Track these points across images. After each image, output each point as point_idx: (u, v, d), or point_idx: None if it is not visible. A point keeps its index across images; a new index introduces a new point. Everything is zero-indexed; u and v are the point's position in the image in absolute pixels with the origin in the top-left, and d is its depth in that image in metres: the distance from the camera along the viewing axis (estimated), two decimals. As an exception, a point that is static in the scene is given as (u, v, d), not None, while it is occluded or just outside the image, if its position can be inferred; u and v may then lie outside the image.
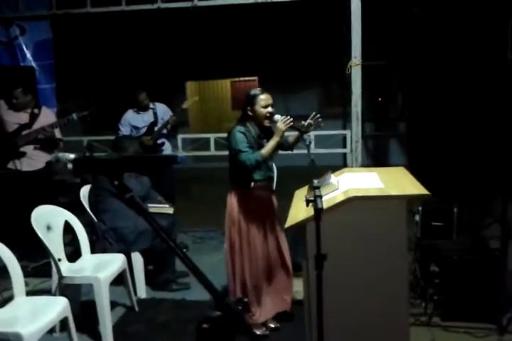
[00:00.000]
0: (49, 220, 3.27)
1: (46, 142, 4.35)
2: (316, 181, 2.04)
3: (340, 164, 6.78)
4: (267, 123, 2.94)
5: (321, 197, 1.96)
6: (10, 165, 4.34)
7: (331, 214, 2.23)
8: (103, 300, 3.07)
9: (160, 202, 4.18)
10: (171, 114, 4.91)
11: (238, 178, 3.03)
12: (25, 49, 5.44)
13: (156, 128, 4.85)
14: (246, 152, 2.84)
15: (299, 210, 2.50)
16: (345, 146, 5.78)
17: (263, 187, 3.06)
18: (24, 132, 4.31)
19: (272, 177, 3.18)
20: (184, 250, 4.73)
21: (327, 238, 2.04)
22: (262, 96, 2.91)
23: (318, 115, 2.98)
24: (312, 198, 1.97)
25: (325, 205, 2.00)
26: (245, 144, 2.86)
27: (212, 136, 5.37)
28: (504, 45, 3.17)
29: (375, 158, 9.49)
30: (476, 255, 3.22)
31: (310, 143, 2.63)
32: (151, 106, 4.94)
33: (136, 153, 3.98)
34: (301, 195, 2.78)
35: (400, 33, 7.30)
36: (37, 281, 3.99)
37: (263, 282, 3.09)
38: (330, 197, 2.39)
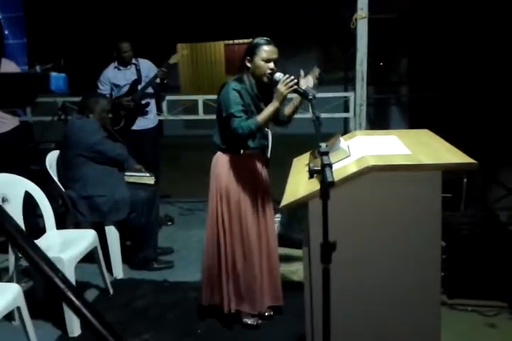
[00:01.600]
0: (5, 191, 2.80)
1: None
2: (323, 145, 1.55)
3: (341, 131, 6.30)
4: (265, 79, 2.42)
5: (330, 166, 1.47)
6: None
7: (342, 189, 1.73)
8: (67, 284, 2.61)
9: (140, 171, 3.68)
10: (155, 71, 4.33)
11: (227, 142, 2.54)
12: (-11, -2, 4.83)
13: (139, 87, 4.29)
14: (239, 117, 2.34)
15: (298, 183, 1.99)
16: (346, 110, 5.32)
17: (255, 155, 2.59)
18: None
19: (266, 146, 2.67)
20: (169, 223, 4.29)
21: (336, 221, 1.56)
22: (266, 47, 2.40)
23: (319, 69, 2.53)
24: (318, 168, 1.48)
25: (334, 177, 1.51)
26: (240, 107, 2.37)
27: (200, 98, 4.86)
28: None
29: (375, 124, 8.98)
30: (486, 229, 2.97)
31: (314, 97, 2.13)
32: (134, 61, 4.35)
33: (106, 113, 3.46)
34: (300, 164, 2.29)
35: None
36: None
37: (257, 268, 2.61)
38: (339, 167, 1.88)
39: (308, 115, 4.48)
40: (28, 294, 2.94)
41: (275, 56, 2.41)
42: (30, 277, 3.11)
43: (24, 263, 2.67)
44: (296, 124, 4.68)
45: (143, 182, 3.51)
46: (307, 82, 2.44)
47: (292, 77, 2.29)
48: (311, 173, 1.52)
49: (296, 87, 2.27)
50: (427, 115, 6.96)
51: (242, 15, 7.89)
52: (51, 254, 2.67)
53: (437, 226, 1.78)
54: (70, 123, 3.44)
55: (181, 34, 9.15)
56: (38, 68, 3.66)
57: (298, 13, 8.06)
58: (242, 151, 2.51)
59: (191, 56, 12.97)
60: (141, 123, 4.32)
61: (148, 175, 3.61)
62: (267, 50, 2.39)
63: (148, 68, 4.36)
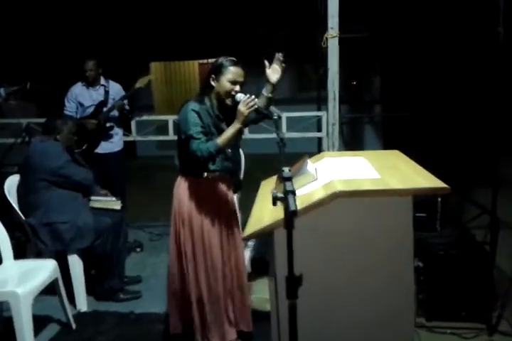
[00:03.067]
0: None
1: None
2: (286, 170, 1.45)
3: (315, 150, 6.24)
4: (229, 102, 2.32)
5: (294, 193, 1.37)
6: None
7: (308, 216, 1.65)
8: (23, 321, 2.43)
9: (105, 196, 3.51)
10: (123, 93, 4.21)
11: (187, 164, 2.43)
12: None
13: (104, 109, 4.15)
14: (198, 139, 2.23)
15: (264, 210, 1.90)
16: (319, 130, 5.26)
17: (219, 178, 2.47)
18: None
19: (231, 169, 2.55)
20: (138, 250, 4.10)
21: (303, 251, 1.47)
22: (233, 69, 2.30)
23: (281, 53, 2.50)
24: (281, 195, 1.37)
25: (300, 204, 1.42)
26: (198, 129, 2.26)
27: (170, 118, 4.73)
28: (495, 18, 2.83)
29: (349, 144, 8.97)
30: (462, 249, 2.94)
31: (279, 117, 2.05)
32: (103, 82, 4.21)
33: (72, 134, 3.29)
34: (267, 187, 2.19)
35: (379, 9, 6.78)
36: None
37: (223, 299, 2.48)
38: (306, 193, 1.79)
39: (273, 135, 4.43)
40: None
41: (241, 79, 2.32)
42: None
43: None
44: (266, 143, 4.63)
45: (109, 207, 3.34)
46: (274, 72, 2.45)
47: (253, 97, 2.21)
48: (274, 200, 1.41)
49: (256, 106, 2.19)
50: (400, 134, 6.97)
51: (216, 34, 7.86)
52: (6, 288, 2.49)
53: (409, 251, 1.72)
54: (32, 146, 3.25)
55: (155, 52, 9.09)
56: (1, 91, 3.48)
57: (270, 32, 8.08)
58: (205, 174, 2.39)
59: (165, 74, 12.86)
60: (106, 147, 4.17)
61: (114, 199, 3.45)
62: (233, 72, 2.30)
63: (117, 92, 4.24)
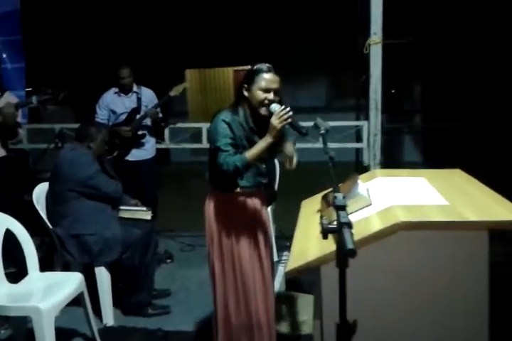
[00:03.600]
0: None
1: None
2: (340, 196, 1.25)
3: (352, 159, 6.00)
4: (263, 111, 2.11)
5: (350, 226, 1.16)
6: None
7: (363, 251, 1.39)
8: (45, 338, 2.30)
9: (135, 206, 3.38)
10: (156, 102, 4.10)
11: (218, 178, 2.24)
12: (-14, 21, 4.66)
13: (137, 117, 4.05)
14: (226, 152, 2.06)
15: (308, 238, 1.68)
16: (358, 140, 5.06)
17: (252, 193, 2.27)
18: None
19: (265, 184, 2.33)
20: (168, 261, 3.96)
21: (356, 291, 1.26)
22: (266, 76, 2.10)
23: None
24: (334, 226, 1.18)
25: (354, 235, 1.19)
26: (227, 140, 2.08)
27: (204, 126, 4.60)
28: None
29: (387, 154, 8.63)
30: None
31: (327, 131, 1.85)
32: (136, 89, 4.11)
33: (105, 143, 3.18)
34: (310, 209, 1.99)
35: (421, 15, 6.52)
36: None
37: (251, 320, 2.27)
38: (359, 220, 1.56)
39: (319, 145, 4.22)
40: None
41: (275, 86, 2.11)
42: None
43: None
44: (307, 152, 4.43)
45: (138, 217, 3.21)
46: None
47: (288, 109, 2.00)
48: (325, 233, 1.21)
49: (290, 120, 1.99)
50: (443, 146, 6.65)
51: (252, 40, 7.72)
52: (29, 303, 2.37)
53: (483, 294, 1.44)
54: (61, 154, 3.12)
55: (190, 59, 9.04)
56: (33, 99, 3.38)
57: (309, 38, 7.88)
58: (237, 190, 2.21)
59: (199, 82, 12.86)
60: (138, 154, 4.07)
61: (144, 209, 3.31)
62: (266, 79, 2.10)
63: (149, 98, 4.13)
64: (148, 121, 4.07)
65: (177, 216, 5.03)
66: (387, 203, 1.59)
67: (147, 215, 3.24)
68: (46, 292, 2.51)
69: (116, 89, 4.08)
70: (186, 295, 3.34)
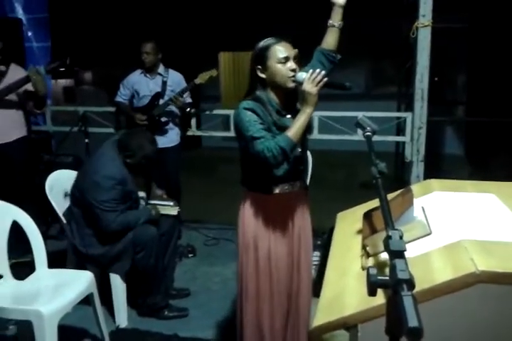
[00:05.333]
0: (-15, 221, 2.31)
1: (15, 105, 3.36)
2: (395, 236, 0.98)
3: (392, 151, 5.62)
4: (290, 84, 1.83)
5: (411, 285, 0.85)
6: None
7: (424, 306, 1.02)
8: (46, 345, 2.09)
9: (162, 199, 3.14)
10: (183, 86, 3.80)
11: (253, 179, 1.97)
12: (13, -3, 4.47)
13: (161, 102, 3.78)
14: (262, 138, 1.77)
15: (345, 276, 1.36)
16: (399, 132, 4.69)
17: (292, 191, 1.97)
18: None
19: (304, 171, 2.06)
20: (190, 256, 3.71)
21: None
22: (278, 46, 1.84)
23: None
24: (385, 278, 0.89)
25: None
26: (258, 126, 1.80)
27: (232, 113, 4.32)
28: None
29: (426, 149, 8.15)
30: None
31: (373, 133, 1.59)
32: (162, 71, 3.83)
33: (145, 160, 2.77)
34: (347, 227, 1.68)
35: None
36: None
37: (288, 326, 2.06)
38: (417, 257, 1.23)
39: (349, 137, 3.88)
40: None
41: (292, 52, 1.85)
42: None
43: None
44: (337, 141, 4.11)
45: (165, 213, 2.97)
46: None
47: (318, 70, 1.76)
48: (373, 287, 0.91)
49: (326, 79, 1.75)
50: (487, 138, 6.18)
51: (287, 23, 7.35)
52: (30, 305, 2.15)
53: None
54: (98, 158, 2.72)
55: (224, 42, 8.73)
56: (42, 68, 3.24)
57: (349, 21, 7.45)
58: (276, 190, 1.92)
59: (233, 65, 12.63)
60: (161, 141, 3.80)
61: (171, 204, 3.06)
62: (280, 49, 1.83)
63: (177, 83, 3.83)
64: (173, 108, 3.80)
65: (203, 204, 4.79)
66: (451, 233, 1.25)
67: (174, 211, 3.00)
68: (51, 293, 2.31)
69: (142, 69, 3.83)
70: (207, 296, 3.09)
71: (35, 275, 2.46)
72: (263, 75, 1.87)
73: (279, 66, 1.83)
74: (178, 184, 3.97)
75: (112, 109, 4.26)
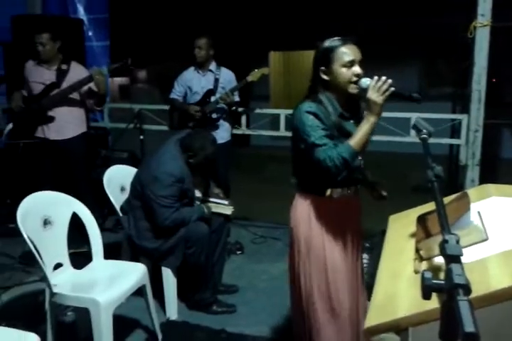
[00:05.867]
0: (48, 212, 2.42)
1: (77, 103, 3.52)
2: (452, 240, 0.96)
3: (445, 154, 5.48)
4: (353, 89, 1.78)
5: (467, 290, 0.85)
6: (38, 133, 3.55)
7: (480, 312, 0.96)
8: (102, 332, 2.18)
9: (219, 197, 3.21)
10: (234, 84, 3.85)
11: (308, 181, 1.94)
12: (76, -2, 4.67)
13: (212, 99, 3.85)
14: (324, 146, 1.73)
15: (397, 278, 1.35)
16: (453, 135, 4.57)
17: (348, 197, 1.95)
18: (52, 93, 3.48)
19: (360, 180, 2.03)
20: (238, 253, 3.77)
21: None
22: (345, 49, 1.77)
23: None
24: (440, 282, 0.89)
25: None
26: (320, 132, 1.75)
27: (282, 113, 4.33)
28: None
29: (482, 153, 7.85)
30: None
31: (429, 135, 1.55)
32: (214, 69, 3.88)
33: (207, 160, 2.85)
34: (400, 229, 1.66)
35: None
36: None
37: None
38: (472, 262, 1.21)
39: (401, 138, 3.81)
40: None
41: (358, 56, 1.79)
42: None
43: (55, 299, 2.27)
44: (388, 142, 4.04)
45: (219, 211, 3.03)
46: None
47: (384, 78, 1.69)
48: (428, 290, 0.91)
49: (393, 89, 1.68)
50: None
51: (340, 23, 7.28)
52: (88, 294, 2.25)
53: None
54: (160, 154, 2.81)
55: (275, 41, 8.74)
56: (104, 68, 3.38)
57: (401, 20, 7.29)
58: (328, 192, 1.90)
59: (283, 65, 12.57)
60: None
61: (226, 203, 3.12)
62: (346, 52, 1.77)
63: (228, 80, 3.88)
64: (224, 105, 3.86)
65: (251, 202, 4.82)
66: (508, 239, 1.22)
67: (228, 210, 3.05)
68: (107, 283, 2.41)
69: (195, 66, 3.90)
70: (254, 293, 3.13)
71: (92, 265, 2.56)
72: (326, 77, 1.82)
73: (344, 70, 1.78)
74: (227, 181, 4.03)
75: (165, 107, 4.38)
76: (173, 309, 2.85)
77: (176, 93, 3.98)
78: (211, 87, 3.84)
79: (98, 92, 3.41)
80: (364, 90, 1.73)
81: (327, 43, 1.81)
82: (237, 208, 4.03)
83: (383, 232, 3.43)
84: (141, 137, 4.24)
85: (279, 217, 4.28)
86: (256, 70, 3.78)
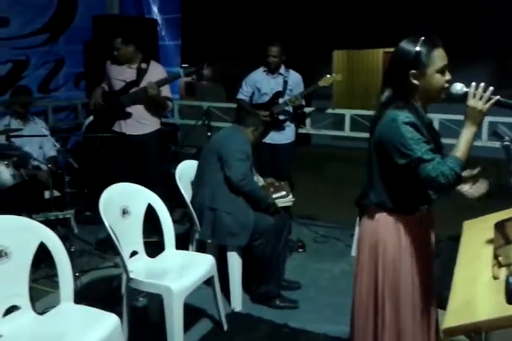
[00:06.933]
0: (127, 202, 2.57)
1: (152, 101, 3.69)
2: None
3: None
4: (443, 95, 1.71)
5: None
6: (115, 128, 3.75)
7: None
8: (173, 318, 2.29)
9: (274, 186, 3.29)
10: (301, 89, 3.90)
11: (400, 199, 1.80)
12: (151, 0, 4.86)
13: (281, 100, 3.91)
14: (432, 161, 1.59)
15: (474, 283, 1.35)
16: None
17: (426, 210, 1.86)
18: (131, 90, 3.66)
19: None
20: (300, 250, 3.81)
21: None
22: (438, 52, 1.67)
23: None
24: None
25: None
26: (425, 146, 1.61)
27: (348, 113, 4.31)
28: None
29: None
30: None
31: None
32: (283, 71, 3.96)
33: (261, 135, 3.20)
34: (476, 235, 1.64)
35: None
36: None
37: None
38: None
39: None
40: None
41: (447, 58, 1.70)
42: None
43: (132, 285, 2.40)
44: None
45: (282, 205, 3.09)
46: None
47: (482, 84, 1.60)
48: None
49: (498, 97, 1.59)
50: None
51: (405, 21, 7.13)
52: (162, 281, 2.37)
53: None
54: (222, 131, 3.17)
55: (338, 40, 8.68)
56: (181, 71, 3.51)
57: (470, 16, 7.05)
58: (418, 210, 1.82)
59: (347, 64, 12.43)
60: (276, 138, 3.96)
61: (284, 193, 3.19)
62: (440, 56, 1.67)
63: (296, 83, 3.96)
64: (289, 108, 3.93)
65: (312, 201, 4.85)
66: None
67: (288, 202, 3.11)
68: (179, 272, 2.52)
69: (265, 68, 3.98)
70: (316, 291, 3.16)
71: (164, 254, 2.69)
72: (416, 82, 1.70)
73: (438, 75, 1.68)
74: (290, 180, 4.08)
75: (233, 105, 4.48)
76: (237, 300, 2.94)
77: (244, 93, 4.07)
78: (280, 88, 3.92)
79: (154, 102, 3.62)
80: (458, 97, 1.64)
81: (419, 45, 1.68)
82: (298, 206, 4.10)
83: (449, 238, 3.38)
84: (209, 134, 4.35)
85: (340, 217, 4.30)
86: (328, 76, 3.83)
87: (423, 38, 1.69)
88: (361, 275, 1.92)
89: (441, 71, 1.68)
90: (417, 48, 1.67)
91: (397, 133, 1.64)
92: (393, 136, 1.65)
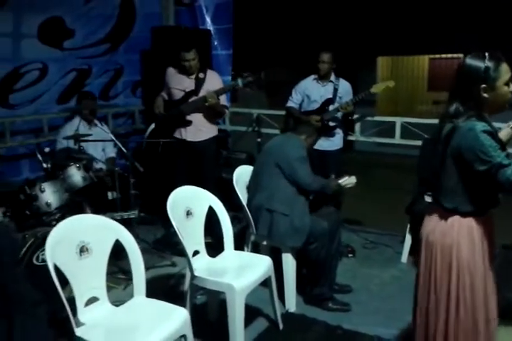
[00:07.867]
0: (190, 204, 2.72)
1: (211, 110, 3.85)
2: None
3: None
4: (506, 107, 1.84)
5: None
6: (176, 134, 3.95)
7: None
8: (235, 314, 2.42)
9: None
10: (351, 97, 3.99)
11: (476, 202, 1.90)
12: (204, 11, 5.04)
13: (330, 108, 4.00)
14: (510, 165, 1.72)
15: None
16: None
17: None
18: (190, 99, 3.84)
19: None
20: (350, 256, 3.87)
21: None
22: (505, 66, 1.81)
23: None
24: None
25: None
26: (502, 152, 1.75)
27: (398, 120, 4.35)
28: None
29: None
30: None
31: None
32: (333, 79, 4.06)
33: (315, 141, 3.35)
34: None
35: None
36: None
37: None
38: None
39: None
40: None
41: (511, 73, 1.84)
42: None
43: (196, 282, 2.54)
44: None
45: (348, 186, 3.21)
46: None
47: None
48: None
49: None
50: None
51: (452, 28, 7.09)
52: (224, 279, 2.50)
53: None
54: (277, 137, 3.31)
55: (382, 47, 8.67)
56: (239, 81, 3.65)
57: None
58: (487, 213, 1.94)
59: (391, 70, 12.36)
60: (325, 144, 4.05)
61: (346, 177, 3.25)
62: (506, 70, 1.80)
63: (346, 91, 4.06)
64: (339, 113, 4.01)
65: (359, 208, 4.90)
66: None
67: (353, 179, 3.21)
68: (239, 271, 2.63)
69: (316, 76, 4.09)
70: (368, 295, 3.22)
71: (224, 254, 2.83)
72: (486, 95, 1.81)
73: (506, 88, 1.81)
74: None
75: (281, 112, 4.60)
76: (291, 301, 3.03)
77: (294, 100, 4.18)
78: (330, 96, 4.01)
79: (213, 110, 3.81)
80: None
81: (488, 60, 1.80)
82: (346, 212, 4.16)
83: (504, 247, 3.39)
84: (259, 140, 4.48)
85: (388, 224, 4.35)
86: (380, 83, 3.90)
87: (487, 53, 1.80)
88: (428, 276, 2.00)
89: (507, 83, 1.81)
90: (486, 64, 1.80)
91: (476, 141, 1.75)
92: (473, 145, 1.76)
